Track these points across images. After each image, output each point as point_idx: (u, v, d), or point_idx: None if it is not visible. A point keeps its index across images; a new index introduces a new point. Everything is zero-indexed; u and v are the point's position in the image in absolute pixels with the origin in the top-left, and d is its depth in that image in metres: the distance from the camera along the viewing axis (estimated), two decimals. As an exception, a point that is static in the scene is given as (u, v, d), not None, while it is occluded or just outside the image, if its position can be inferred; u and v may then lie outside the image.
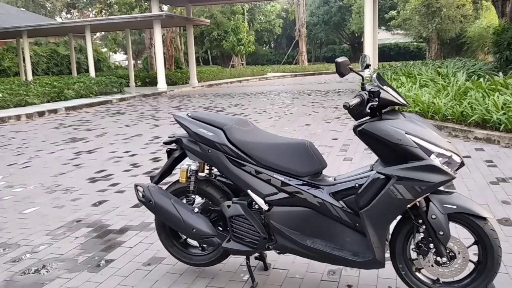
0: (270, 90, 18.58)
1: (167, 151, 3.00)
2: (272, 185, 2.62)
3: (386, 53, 35.33)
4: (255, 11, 39.73)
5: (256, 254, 2.96)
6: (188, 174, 2.87)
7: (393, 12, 27.33)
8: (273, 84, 22.84)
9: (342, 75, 2.41)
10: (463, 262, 2.46)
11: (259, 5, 39.42)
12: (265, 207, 2.63)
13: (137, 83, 23.72)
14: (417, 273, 2.59)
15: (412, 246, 2.56)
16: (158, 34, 19.68)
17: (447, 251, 2.45)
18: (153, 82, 21.60)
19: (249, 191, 2.66)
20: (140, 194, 2.91)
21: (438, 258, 2.46)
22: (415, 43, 34.31)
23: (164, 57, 23.77)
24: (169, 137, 2.93)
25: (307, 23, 38.25)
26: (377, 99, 2.38)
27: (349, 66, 2.40)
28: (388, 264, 2.60)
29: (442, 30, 23.46)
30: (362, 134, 2.44)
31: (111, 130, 9.58)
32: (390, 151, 2.37)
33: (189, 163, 2.87)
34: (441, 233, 2.39)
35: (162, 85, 19.88)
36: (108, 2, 29.07)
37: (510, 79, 8.42)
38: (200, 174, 2.93)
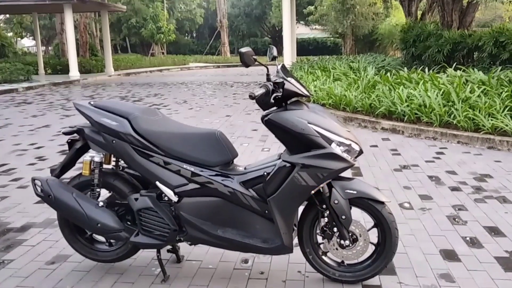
0: (192, 80, 18.34)
1: (68, 142, 2.84)
2: (181, 176, 2.58)
3: (305, 47, 36.30)
4: (175, -1, 38.94)
5: (169, 247, 2.91)
6: (92, 167, 2.73)
7: (311, 7, 28.11)
8: (195, 74, 22.58)
9: (246, 65, 2.43)
10: (364, 244, 2.61)
11: (179, -7, 38.71)
12: (174, 198, 2.59)
13: (47, 70, 22.22)
14: (323, 257, 2.72)
15: (317, 231, 2.67)
16: (69, 19, 18.57)
17: (350, 234, 2.58)
18: (65, 70, 20.37)
19: (157, 183, 2.60)
20: (38, 189, 2.72)
21: (342, 241, 2.59)
22: (332, 38, 35.59)
23: (78, 43, 22.56)
24: (70, 126, 2.77)
25: (228, 14, 38.16)
26: (281, 90, 2.43)
27: (254, 56, 2.43)
28: (297, 249, 2.69)
29: (356, 26, 24.59)
30: (269, 123, 2.49)
31: (15, 121, 8.91)
32: (294, 140, 2.44)
33: (92, 155, 2.74)
34: (343, 217, 2.52)
35: (74, 73, 18.83)
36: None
37: (413, 74, 9.03)
38: (106, 166, 2.81)
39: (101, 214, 2.68)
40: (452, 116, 6.51)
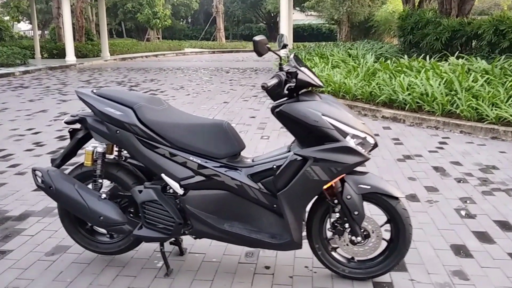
0: (188, 66, 18.16)
1: (69, 131, 2.72)
2: (188, 168, 2.48)
3: (300, 33, 36.05)
4: (171, -16, 38.49)
5: (171, 239, 2.83)
6: (94, 157, 2.63)
7: (307, -6, 27.81)
8: (191, 60, 22.36)
9: (260, 54, 2.31)
10: (377, 240, 2.52)
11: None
12: (180, 191, 2.50)
13: (44, 55, 22.03)
14: (332, 253, 2.63)
15: (328, 226, 2.58)
16: (66, 3, 18.34)
17: (362, 230, 2.50)
18: (61, 54, 20.24)
19: (163, 175, 2.50)
20: (39, 179, 2.62)
21: (353, 238, 2.50)
22: (327, 25, 35.37)
23: (74, 28, 22.29)
24: (71, 115, 2.66)
25: (224, 0, 37.73)
26: (294, 80, 2.32)
27: (267, 45, 2.31)
28: (305, 244, 2.60)
29: (352, 13, 24.39)
30: (280, 115, 2.39)
31: (12, 106, 8.78)
32: (307, 133, 2.34)
33: (95, 145, 2.63)
34: (356, 213, 2.43)
35: (71, 57, 18.69)
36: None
37: (414, 62, 8.93)
38: (108, 156, 2.70)
39: (104, 206, 2.59)
40: (455, 105, 6.44)
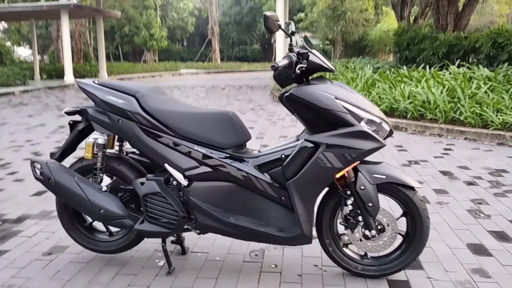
0: (184, 84, 18.18)
1: (69, 124, 2.62)
2: (192, 158, 2.36)
3: (294, 53, 36.23)
4: (167, 7, 38.93)
5: (173, 238, 2.71)
6: (95, 150, 2.52)
7: (301, 15, 28.18)
8: (187, 79, 22.41)
9: (270, 31, 2.21)
10: (392, 235, 2.37)
11: (171, 2, 38.78)
12: (184, 182, 2.37)
13: (43, 76, 22.13)
14: (344, 249, 2.48)
15: (339, 220, 2.44)
16: (65, 24, 18.51)
17: (376, 223, 2.36)
18: (60, 75, 20.33)
19: (166, 165, 2.38)
20: (38, 172, 2.50)
21: (367, 232, 2.35)
22: (321, 45, 35.78)
23: (73, 51, 22.46)
24: (72, 107, 2.55)
25: (219, 22, 38.16)
26: (305, 61, 2.23)
27: (278, 22, 2.21)
28: (313, 243, 2.46)
29: (347, 32, 24.74)
30: (290, 100, 2.28)
31: (11, 121, 8.74)
32: (319, 117, 2.23)
33: (96, 137, 2.53)
34: (370, 204, 2.29)
35: (69, 77, 18.74)
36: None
37: (414, 72, 8.92)
38: (109, 150, 2.59)
39: (104, 199, 2.46)
40: (458, 112, 6.37)
